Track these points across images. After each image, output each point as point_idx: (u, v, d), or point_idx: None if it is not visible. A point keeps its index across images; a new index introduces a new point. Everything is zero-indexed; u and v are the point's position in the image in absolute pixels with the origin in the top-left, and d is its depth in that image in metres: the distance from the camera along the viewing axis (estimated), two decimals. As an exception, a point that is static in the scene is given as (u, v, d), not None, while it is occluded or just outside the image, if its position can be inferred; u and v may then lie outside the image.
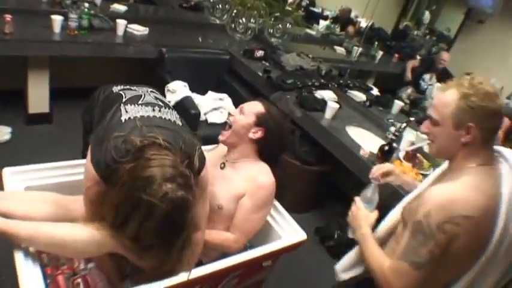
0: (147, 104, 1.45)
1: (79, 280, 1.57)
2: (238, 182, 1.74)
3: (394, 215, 1.50)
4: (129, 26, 3.44)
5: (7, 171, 1.61)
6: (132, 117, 1.37)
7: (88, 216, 1.35)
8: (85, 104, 1.77)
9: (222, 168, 1.80)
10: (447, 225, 1.17)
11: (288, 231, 1.83)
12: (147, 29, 3.56)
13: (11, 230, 1.25)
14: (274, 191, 1.75)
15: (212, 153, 1.90)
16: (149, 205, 1.12)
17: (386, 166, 1.66)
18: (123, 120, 1.35)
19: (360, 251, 1.48)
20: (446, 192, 1.23)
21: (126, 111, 1.39)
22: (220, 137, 1.78)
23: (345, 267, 1.61)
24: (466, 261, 1.25)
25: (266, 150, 1.78)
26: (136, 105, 1.43)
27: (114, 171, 1.20)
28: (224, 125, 1.81)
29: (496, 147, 1.33)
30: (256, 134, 1.73)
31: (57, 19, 2.93)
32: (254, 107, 1.75)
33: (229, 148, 1.80)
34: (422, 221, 1.20)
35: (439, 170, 1.48)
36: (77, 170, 1.73)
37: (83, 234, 1.30)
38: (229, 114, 1.81)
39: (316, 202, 3.38)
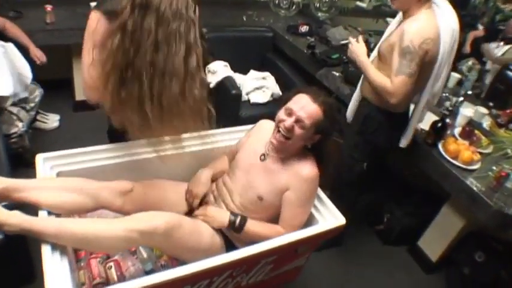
0: None
1: (111, 264, 1.59)
2: (280, 174, 1.66)
3: (374, 53, 2.19)
4: (170, 8, 3.39)
5: (40, 157, 1.62)
6: None
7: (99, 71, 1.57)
8: None
9: (262, 160, 1.71)
10: (423, 44, 1.82)
11: (326, 216, 1.72)
12: (188, 10, 3.49)
13: (37, 227, 1.26)
14: (318, 181, 1.67)
15: (253, 137, 1.82)
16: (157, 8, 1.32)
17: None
18: None
19: (364, 73, 2.09)
20: (418, 25, 1.85)
21: None
22: (274, 142, 1.64)
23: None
24: (428, 69, 1.93)
25: (314, 146, 1.71)
26: None
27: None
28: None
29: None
30: (313, 140, 1.67)
31: (97, 6, 2.94)
32: (313, 115, 1.59)
33: (277, 149, 1.68)
34: (409, 45, 1.82)
35: (394, 22, 2.13)
36: (108, 154, 1.72)
37: (111, 230, 1.30)
38: (283, 123, 1.61)
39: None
